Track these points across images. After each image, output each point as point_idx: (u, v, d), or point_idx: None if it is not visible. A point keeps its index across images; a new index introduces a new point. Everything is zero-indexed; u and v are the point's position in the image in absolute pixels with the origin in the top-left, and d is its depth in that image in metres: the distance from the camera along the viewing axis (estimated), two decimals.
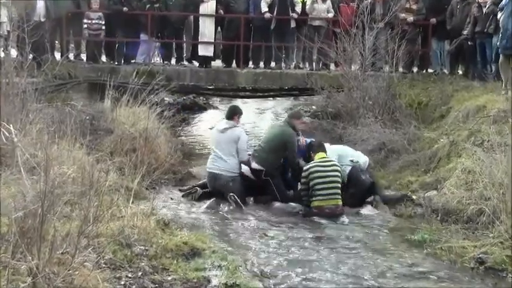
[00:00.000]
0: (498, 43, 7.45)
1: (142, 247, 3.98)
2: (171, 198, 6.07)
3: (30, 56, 7.29)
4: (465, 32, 8.55)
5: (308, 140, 6.20)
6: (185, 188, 6.35)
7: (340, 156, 6.02)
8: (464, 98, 7.69)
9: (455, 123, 7.08)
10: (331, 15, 9.58)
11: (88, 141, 5.73)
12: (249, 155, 6.14)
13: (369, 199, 5.97)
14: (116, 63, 9.76)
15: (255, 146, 6.55)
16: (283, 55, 9.84)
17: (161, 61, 10.01)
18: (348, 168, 5.97)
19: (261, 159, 5.98)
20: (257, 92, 10.62)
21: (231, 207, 5.78)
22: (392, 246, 4.83)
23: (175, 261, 3.96)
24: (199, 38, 9.78)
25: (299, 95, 11.08)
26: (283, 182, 6.04)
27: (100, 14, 9.53)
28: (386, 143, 7.20)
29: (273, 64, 10.01)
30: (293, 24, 9.70)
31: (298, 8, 9.62)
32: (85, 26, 9.50)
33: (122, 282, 3.49)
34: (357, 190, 5.95)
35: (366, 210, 5.82)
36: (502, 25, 7.23)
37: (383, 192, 6.12)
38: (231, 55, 10.01)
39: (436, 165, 6.40)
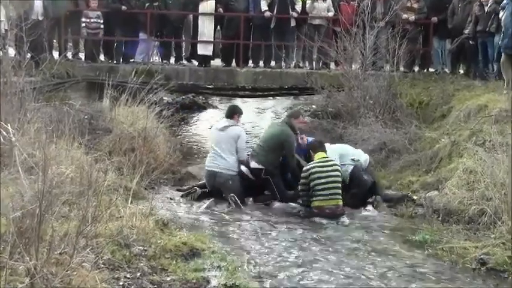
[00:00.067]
0: (500, 42, 7.44)
1: (141, 247, 3.96)
2: (170, 198, 6.06)
3: (28, 55, 7.28)
4: (466, 31, 8.54)
5: (310, 139, 6.18)
6: (184, 188, 6.33)
7: (341, 155, 6.01)
8: (466, 97, 7.67)
9: (457, 122, 7.07)
10: (331, 14, 9.55)
11: (86, 141, 5.72)
12: (248, 154, 6.11)
13: (370, 199, 5.96)
14: (115, 62, 9.73)
15: (253, 145, 6.52)
16: (283, 54, 9.80)
17: (160, 60, 9.98)
18: (350, 168, 5.97)
19: (261, 158, 5.98)
20: (257, 91, 10.59)
21: (231, 208, 5.75)
22: (393, 247, 4.81)
23: (174, 262, 3.95)
24: (198, 37, 9.75)
25: (299, 94, 11.05)
26: (283, 182, 6.02)
27: (98, 12, 9.50)
28: (387, 143, 7.19)
29: (272, 63, 9.99)
30: (293, 23, 9.68)
31: (298, 7, 9.60)
32: (83, 24, 9.46)
33: (121, 283, 3.48)
34: (358, 190, 5.95)
35: (367, 210, 5.82)
36: (504, 24, 7.22)
37: (384, 191, 6.09)
38: (230, 54, 9.98)
39: (437, 165, 6.39)
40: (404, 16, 9.17)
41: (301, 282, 4.01)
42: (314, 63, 9.83)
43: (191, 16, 9.91)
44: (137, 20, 9.72)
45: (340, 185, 5.62)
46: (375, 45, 8.78)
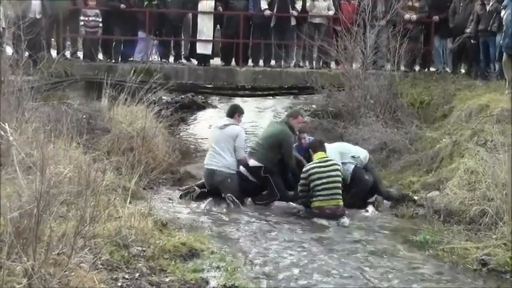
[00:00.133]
0: (501, 41, 7.40)
1: (139, 248, 3.95)
2: (169, 199, 6.04)
3: (26, 54, 7.25)
4: (468, 30, 8.50)
5: (312, 139, 6.16)
6: (183, 188, 6.30)
7: (342, 153, 6.00)
8: (467, 97, 7.65)
9: (458, 122, 7.05)
10: (331, 12, 9.52)
11: (85, 141, 5.71)
12: (246, 152, 6.11)
13: (370, 199, 5.95)
14: (113, 61, 9.69)
15: (252, 144, 6.50)
16: (283, 53, 9.76)
17: (159, 59, 9.94)
18: (351, 167, 5.96)
19: (260, 156, 5.97)
20: (256, 91, 10.56)
21: (230, 207, 5.73)
22: (394, 248, 4.79)
23: (173, 262, 3.94)
24: (197, 35, 9.71)
25: (299, 93, 11.02)
26: (283, 182, 6.00)
27: (97, 11, 9.46)
28: (387, 143, 7.17)
29: (272, 62, 9.95)
30: (293, 22, 9.64)
31: (299, 6, 9.56)
32: (82, 23, 9.42)
33: (119, 284, 3.47)
34: (359, 190, 5.94)
35: (367, 211, 5.80)
36: (506, 23, 7.19)
37: (384, 188, 6.09)
38: (230, 53, 9.95)
39: (438, 165, 6.38)
40: (407, 16, 9.13)
41: (300, 283, 3.99)
42: (314, 62, 9.79)
43: (190, 15, 9.86)
44: (136, 18, 9.68)
45: (340, 185, 5.60)
46: (376, 44, 8.75)
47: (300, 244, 4.80)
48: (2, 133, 3.93)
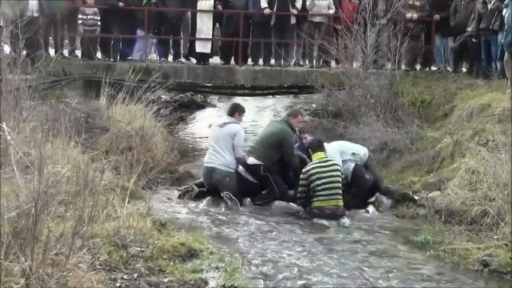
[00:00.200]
0: (503, 40, 7.37)
1: (138, 248, 3.94)
2: (168, 198, 6.03)
3: (24, 52, 7.22)
4: (469, 29, 8.47)
5: (313, 139, 6.15)
6: (182, 188, 6.27)
7: (342, 152, 6.00)
8: (469, 96, 7.62)
9: (459, 122, 7.03)
10: (332, 11, 9.49)
11: (83, 140, 5.67)
12: (245, 150, 6.08)
13: (371, 199, 5.93)
14: (112, 60, 9.64)
15: (251, 143, 6.47)
16: (283, 52, 9.73)
17: (158, 58, 9.90)
18: (352, 166, 5.95)
19: (259, 154, 5.96)
20: (256, 90, 10.52)
21: (227, 205, 5.69)
22: (394, 248, 4.78)
23: (172, 263, 3.93)
24: (196, 34, 9.68)
25: (299, 93, 11.00)
26: (284, 181, 5.98)
27: (95, 9, 9.41)
28: (388, 143, 7.15)
29: (272, 61, 9.92)
30: (293, 21, 9.61)
31: (299, 4, 9.53)
32: (80, 21, 9.38)
33: (118, 284, 3.45)
34: (359, 189, 5.93)
35: (368, 211, 5.78)
36: (507, 22, 7.16)
37: (385, 185, 6.08)
38: (229, 52, 9.92)
39: (439, 165, 6.37)
40: (408, 15, 9.09)
41: (300, 283, 3.97)
42: (314, 61, 9.76)
43: (189, 13, 9.84)
44: (135, 17, 9.65)
45: (340, 185, 5.58)
46: (376, 43, 8.73)
47: (299, 244, 4.78)
48: (0, 132, 3.90)
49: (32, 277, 2.99)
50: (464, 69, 9.31)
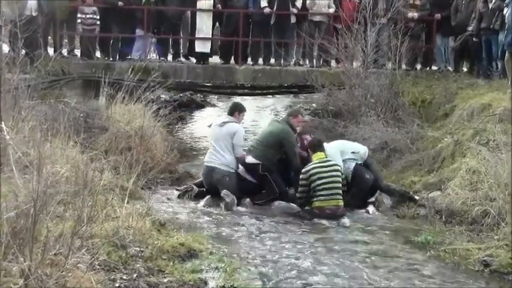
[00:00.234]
0: (504, 40, 7.36)
1: (137, 248, 3.92)
2: (168, 198, 6.00)
3: (23, 52, 7.20)
4: (470, 28, 8.45)
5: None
6: (181, 188, 6.26)
7: (342, 152, 6.00)
8: (469, 96, 7.60)
9: (460, 121, 7.01)
10: (332, 10, 9.47)
11: (82, 140, 5.67)
12: (244, 150, 6.07)
13: (371, 199, 5.91)
14: (111, 59, 9.62)
15: (251, 142, 6.45)
16: (283, 51, 9.71)
17: (157, 57, 9.88)
18: (352, 165, 5.94)
19: (258, 153, 5.95)
20: (256, 90, 10.51)
21: (227, 201, 5.66)
22: (395, 248, 4.76)
23: (171, 263, 3.92)
24: (196, 33, 9.65)
25: (299, 92, 11.00)
26: (285, 181, 5.96)
27: (94, 8, 9.39)
28: (388, 142, 7.13)
29: (272, 61, 9.91)
30: (293, 20, 9.60)
31: (299, 3, 9.51)
32: (79, 20, 9.35)
33: (117, 285, 3.44)
34: (359, 189, 5.92)
35: (368, 211, 5.76)
36: (508, 21, 7.15)
37: (385, 182, 6.08)
38: (229, 51, 9.90)
39: (439, 165, 6.34)
40: (410, 15, 9.07)
41: (300, 284, 3.96)
42: (314, 60, 9.75)
43: (189, 12, 9.83)
44: (134, 16, 9.63)
45: (340, 185, 5.57)
46: (377, 43, 8.70)
47: (299, 244, 4.76)
48: None
49: (30, 277, 2.98)
50: (465, 69, 9.30)
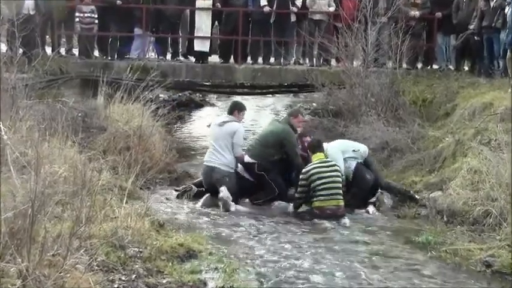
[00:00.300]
0: (505, 38, 7.34)
1: (136, 249, 3.91)
2: (166, 198, 5.99)
3: (20, 51, 7.18)
4: (472, 27, 8.42)
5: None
6: (180, 188, 6.23)
7: (343, 151, 5.99)
8: (471, 95, 7.58)
9: (461, 121, 6.99)
10: (332, 9, 9.45)
11: (80, 139, 5.68)
12: (244, 149, 6.06)
13: (371, 199, 5.90)
14: (109, 58, 9.62)
15: (251, 142, 6.43)
16: (283, 50, 9.69)
17: (156, 56, 9.85)
18: (353, 165, 5.93)
19: (254, 153, 5.93)
20: (255, 89, 10.49)
21: (224, 198, 5.63)
22: (395, 248, 4.75)
23: (170, 264, 3.91)
24: (195, 32, 9.62)
25: (299, 91, 10.98)
26: (286, 181, 5.93)
27: (93, 7, 9.37)
28: (389, 142, 7.11)
29: (272, 60, 9.90)
30: (293, 19, 9.58)
31: (299, 2, 9.50)
32: (77, 19, 9.33)
33: (115, 285, 3.43)
34: (360, 189, 5.90)
35: (368, 211, 5.75)
36: (509, 20, 7.12)
37: (386, 181, 6.06)
38: (228, 50, 9.88)
39: (441, 165, 6.34)
40: (411, 13, 9.05)
41: (300, 284, 3.94)
42: (314, 59, 9.73)
43: (188, 11, 9.81)
44: (132, 14, 9.61)
45: (340, 185, 5.56)
46: (377, 42, 8.69)
47: (299, 244, 4.75)
48: None
49: (28, 278, 2.98)
50: (466, 68, 9.27)
